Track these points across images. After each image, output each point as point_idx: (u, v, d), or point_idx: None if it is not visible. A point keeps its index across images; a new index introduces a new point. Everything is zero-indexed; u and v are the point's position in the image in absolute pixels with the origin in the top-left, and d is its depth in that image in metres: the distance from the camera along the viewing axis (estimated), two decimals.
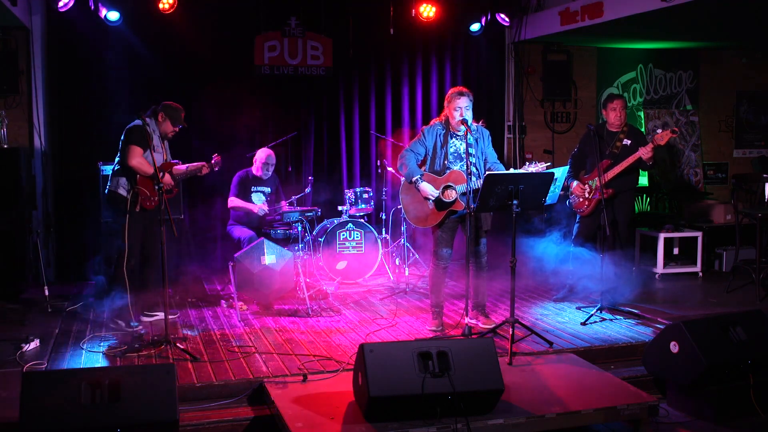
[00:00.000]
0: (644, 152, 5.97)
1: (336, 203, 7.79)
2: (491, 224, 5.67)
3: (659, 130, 6.16)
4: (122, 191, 5.59)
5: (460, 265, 7.25)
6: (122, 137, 5.61)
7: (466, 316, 5.37)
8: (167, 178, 5.73)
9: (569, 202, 6.48)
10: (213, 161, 6.04)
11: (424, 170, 5.49)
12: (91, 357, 4.96)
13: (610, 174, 6.11)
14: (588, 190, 6.26)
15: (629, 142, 6.19)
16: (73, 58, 7.35)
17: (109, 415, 3.56)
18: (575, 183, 6.32)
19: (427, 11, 7.94)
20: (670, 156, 9.21)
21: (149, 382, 3.69)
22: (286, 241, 6.70)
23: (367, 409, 3.85)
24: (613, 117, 6.24)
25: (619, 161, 6.13)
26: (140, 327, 5.60)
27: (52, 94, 7.39)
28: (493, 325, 5.44)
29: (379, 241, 7.35)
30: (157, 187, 5.43)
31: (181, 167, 5.96)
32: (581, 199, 6.32)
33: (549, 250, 6.75)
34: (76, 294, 6.82)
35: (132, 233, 5.59)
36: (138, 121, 5.57)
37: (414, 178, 5.37)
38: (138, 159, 5.52)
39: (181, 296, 6.63)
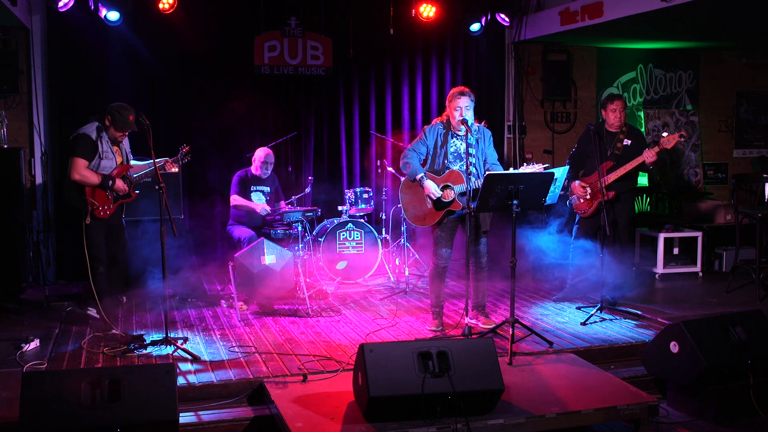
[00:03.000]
0: (649, 155, 5.95)
1: (336, 203, 7.79)
2: (491, 225, 5.67)
3: (665, 134, 6.14)
4: (75, 202, 5.47)
5: (460, 265, 7.25)
6: (70, 148, 5.44)
7: (466, 316, 5.37)
8: (119, 184, 5.49)
9: (569, 202, 6.48)
10: (181, 153, 5.84)
11: (425, 170, 5.50)
12: (91, 357, 4.96)
13: (614, 176, 6.09)
14: (589, 191, 6.26)
15: (630, 142, 6.19)
16: (73, 58, 7.35)
17: (109, 415, 3.56)
18: (576, 183, 6.31)
19: (427, 11, 7.94)
20: (671, 156, 9.21)
21: (149, 382, 3.69)
22: (286, 241, 6.70)
23: (367, 409, 3.85)
24: (612, 117, 6.24)
25: (622, 163, 6.11)
26: (118, 330, 5.54)
27: (52, 94, 7.39)
28: (493, 325, 5.44)
29: (379, 241, 7.35)
30: (111, 196, 5.43)
31: (137, 169, 5.70)
32: (582, 200, 6.31)
33: (549, 245, 6.77)
34: (76, 294, 6.81)
35: (91, 242, 5.46)
36: (85, 128, 5.43)
37: (418, 176, 5.37)
38: (80, 172, 5.35)
39: (180, 296, 6.63)
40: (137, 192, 5.73)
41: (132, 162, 5.85)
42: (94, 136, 5.40)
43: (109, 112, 5.48)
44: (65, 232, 7.42)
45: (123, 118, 5.44)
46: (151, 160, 5.76)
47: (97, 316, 5.67)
